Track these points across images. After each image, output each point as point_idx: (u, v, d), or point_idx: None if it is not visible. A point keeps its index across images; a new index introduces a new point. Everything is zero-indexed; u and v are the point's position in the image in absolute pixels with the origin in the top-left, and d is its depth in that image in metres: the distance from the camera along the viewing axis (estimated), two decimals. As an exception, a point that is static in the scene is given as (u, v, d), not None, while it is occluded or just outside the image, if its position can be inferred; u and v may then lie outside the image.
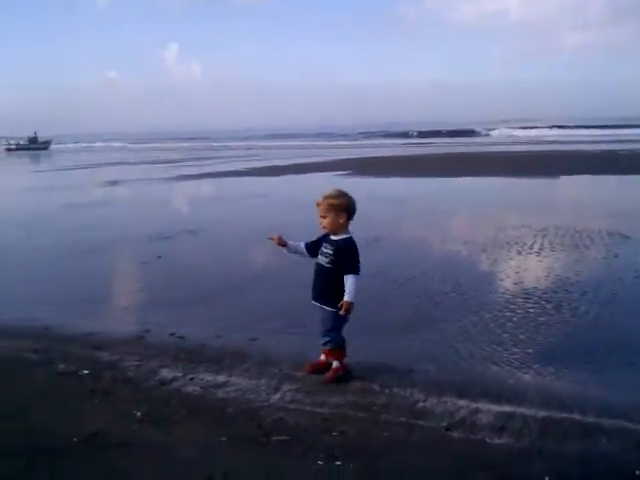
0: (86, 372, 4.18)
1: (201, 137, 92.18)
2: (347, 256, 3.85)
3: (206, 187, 19.26)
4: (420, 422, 3.35)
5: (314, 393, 3.75)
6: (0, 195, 18.69)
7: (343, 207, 3.88)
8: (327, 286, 3.88)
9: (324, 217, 3.91)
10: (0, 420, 3.48)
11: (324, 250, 3.94)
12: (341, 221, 3.88)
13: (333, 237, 3.93)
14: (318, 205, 3.93)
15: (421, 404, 3.57)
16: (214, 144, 66.43)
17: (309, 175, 21.21)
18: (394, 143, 54.65)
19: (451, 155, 31.36)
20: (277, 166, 26.32)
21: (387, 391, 3.75)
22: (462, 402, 3.58)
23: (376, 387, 3.81)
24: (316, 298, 3.99)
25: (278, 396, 3.73)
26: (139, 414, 3.50)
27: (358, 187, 14.92)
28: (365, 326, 4.52)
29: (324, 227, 3.94)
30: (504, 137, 58.18)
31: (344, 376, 3.95)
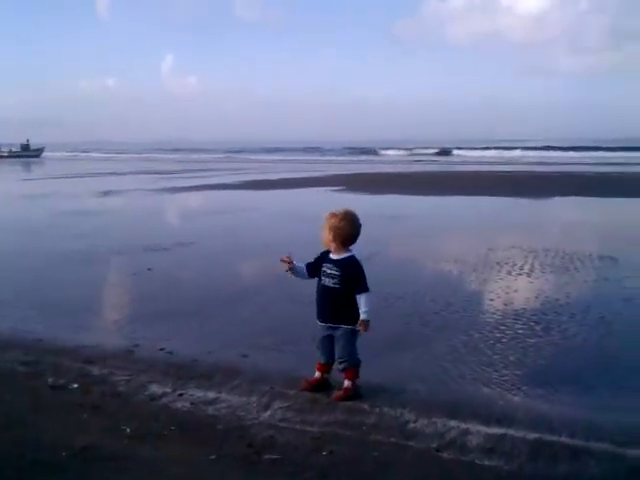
0: (75, 386, 4.16)
1: (190, 149, 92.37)
2: (356, 274, 3.86)
3: (197, 200, 19.24)
4: (410, 442, 3.36)
5: (304, 411, 3.75)
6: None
7: (341, 232, 3.87)
8: (340, 306, 3.87)
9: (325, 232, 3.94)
10: (-8, 432, 3.46)
11: (327, 271, 3.90)
12: (334, 244, 3.90)
13: (334, 256, 3.92)
14: (325, 219, 3.96)
15: (411, 424, 3.58)
16: (204, 156, 66.54)
17: (302, 190, 21.29)
18: (381, 160, 55.03)
19: (442, 173, 31.70)
20: (269, 180, 26.31)
21: (377, 410, 3.75)
22: (452, 423, 3.59)
23: (366, 406, 3.81)
24: (329, 320, 3.94)
25: (268, 414, 3.72)
26: (128, 430, 3.49)
27: (352, 203, 14.97)
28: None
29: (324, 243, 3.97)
30: (485, 157, 58.06)
31: (353, 396, 3.91)
